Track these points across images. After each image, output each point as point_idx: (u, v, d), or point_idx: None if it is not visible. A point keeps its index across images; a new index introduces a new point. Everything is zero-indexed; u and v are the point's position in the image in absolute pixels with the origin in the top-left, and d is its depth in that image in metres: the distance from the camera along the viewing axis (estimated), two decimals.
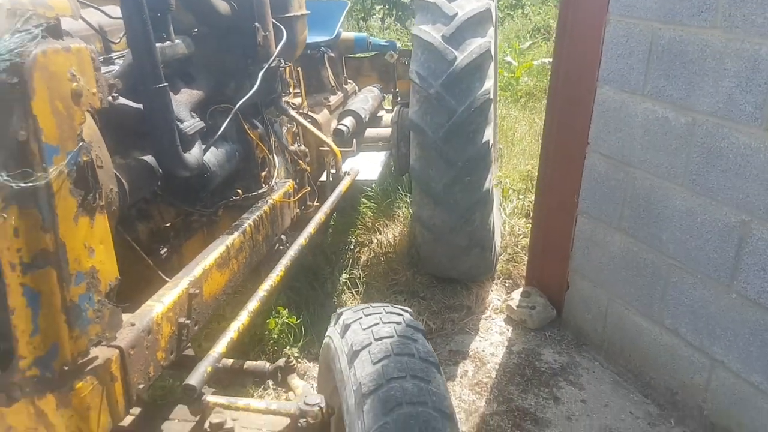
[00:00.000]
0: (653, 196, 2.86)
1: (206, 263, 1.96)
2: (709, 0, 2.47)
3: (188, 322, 1.80)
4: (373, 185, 4.44)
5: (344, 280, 4.01)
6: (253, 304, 1.98)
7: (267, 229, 2.45)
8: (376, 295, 3.87)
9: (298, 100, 3.42)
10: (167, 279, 1.86)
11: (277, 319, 3.33)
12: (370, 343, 1.62)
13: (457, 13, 3.34)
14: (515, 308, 3.62)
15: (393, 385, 1.48)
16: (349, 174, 3.22)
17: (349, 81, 4.54)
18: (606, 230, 3.14)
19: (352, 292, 3.95)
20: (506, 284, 4.02)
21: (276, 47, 2.52)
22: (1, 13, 1.20)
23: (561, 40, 3.36)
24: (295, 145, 3.15)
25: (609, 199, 3.10)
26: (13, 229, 1.21)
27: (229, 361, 1.98)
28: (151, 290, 1.81)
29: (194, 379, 1.61)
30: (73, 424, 1.36)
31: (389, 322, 1.71)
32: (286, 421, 1.70)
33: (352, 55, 4.86)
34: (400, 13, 13.11)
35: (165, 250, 2.10)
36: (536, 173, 4.97)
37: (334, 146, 3.06)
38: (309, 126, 3.01)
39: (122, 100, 1.81)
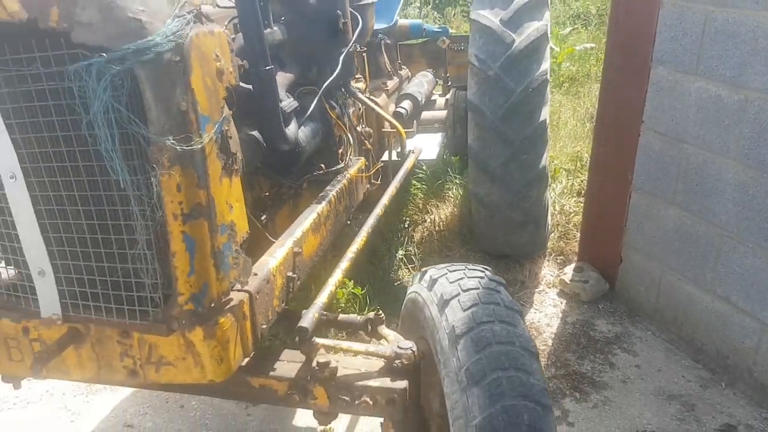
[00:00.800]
0: (706, 170, 3.00)
1: (304, 227, 2.19)
2: None
3: (294, 276, 2.02)
4: (423, 166, 4.63)
5: (400, 257, 4.23)
6: (344, 264, 2.20)
7: (346, 201, 2.67)
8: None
9: (361, 84, 3.62)
10: (273, 240, 2.09)
11: (343, 290, 3.56)
12: (459, 294, 1.82)
13: None
14: (568, 282, 3.79)
15: (483, 328, 1.68)
16: (413, 152, 3.42)
17: (403, 66, 4.73)
18: (660, 204, 3.29)
19: (408, 268, 4.16)
20: (558, 260, 4.19)
21: (353, 33, 2.73)
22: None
23: (615, 24, 3.51)
24: (360, 126, 3.36)
25: (663, 174, 3.25)
26: (176, 185, 1.44)
27: (325, 313, 2.20)
28: (257, 250, 2.04)
29: (305, 322, 1.83)
30: (216, 354, 1.59)
31: (473, 277, 1.91)
32: (381, 363, 1.91)
33: (403, 42, 5.04)
34: (437, 1, 13.25)
35: (264, 216, 2.34)
36: (584, 155, 5.13)
37: (399, 127, 3.26)
38: (377, 108, 3.21)
39: None
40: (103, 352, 1.62)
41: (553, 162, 5.03)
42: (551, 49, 9.05)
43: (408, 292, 2.11)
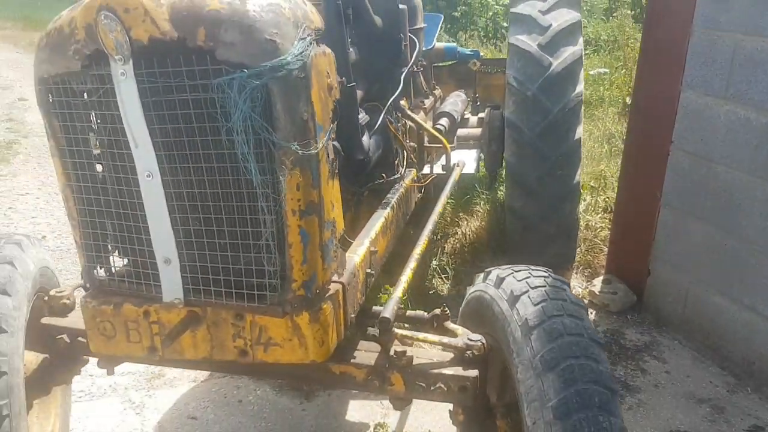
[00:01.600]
0: (734, 188, 3.21)
1: (376, 229, 2.39)
2: None
3: (372, 272, 2.22)
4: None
5: (434, 266, 4.43)
6: (412, 264, 2.40)
7: (404, 208, 2.87)
8: (465, 280, 4.27)
9: (404, 102, 3.85)
10: (351, 240, 2.29)
11: (386, 296, 3.75)
12: (528, 290, 2.00)
13: (551, 24, 3.74)
14: (597, 293, 3.98)
15: (554, 320, 1.86)
16: (458, 165, 3.64)
17: (436, 87, 4.97)
18: (688, 220, 3.50)
19: (441, 278, 4.36)
20: (585, 273, 4.39)
21: (411, 55, 2.96)
22: (287, 23, 1.64)
23: (645, 51, 3.74)
24: (407, 140, 3.58)
25: (692, 191, 3.45)
26: (296, 184, 1.64)
27: (402, 306, 2.37)
28: None
29: (387, 312, 2.02)
30: (319, 336, 1.78)
31: (538, 276, 2.09)
32: (451, 354, 2.10)
33: (436, 64, 5.29)
34: (448, 26, 13.59)
35: None
36: (607, 173, 5.35)
37: (446, 142, 3.48)
38: (423, 124, 3.43)
39: None
40: (218, 334, 1.82)
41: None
42: None
43: (470, 291, 2.28)
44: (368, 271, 2.22)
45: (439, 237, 4.80)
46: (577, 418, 1.65)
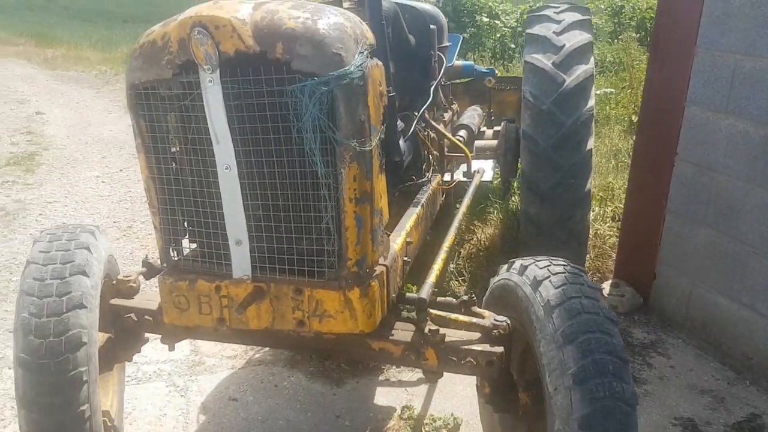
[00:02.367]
0: (734, 195, 3.48)
1: (410, 223, 2.68)
2: None
3: (408, 260, 2.50)
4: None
5: (451, 269, 4.69)
6: (441, 256, 2.68)
7: (431, 208, 3.16)
8: (480, 283, 4.53)
9: (426, 114, 4.15)
10: (388, 233, 2.57)
11: (411, 293, 4.01)
12: (549, 276, 2.26)
13: (564, 45, 4.04)
14: (606, 296, 4.24)
15: (573, 301, 2.12)
16: (478, 173, 3.92)
17: (453, 101, 5.27)
18: (692, 225, 3.77)
19: (458, 280, 4.62)
20: (594, 278, 4.64)
21: (438, 70, 3.26)
22: (350, 39, 1.92)
23: (653, 69, 4.03)
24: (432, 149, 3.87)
25: (695, 199, 3.73)
26: (353, 176, 1.92)
27: (436, 290, 2.63)
28: None
29: (423, 294, 2.29)
30: (367, 309, 2.05)
31: (558, 264, 2.35)
32: (479, 334, 2.36)
33: (453, 80, 5.60)
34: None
35: None
36: (614, 185, 5.62)
37: (467, 151, 3.77)
38: (448, 134, 3.72)
39: None
40: (279, 306, 2.09)
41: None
42: None
43: (494, 281, 2.55)
44: (405, 258, 2.49)
45: (456, 243, 5.07)
46: (594, 383, 1.91)
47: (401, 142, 2.79)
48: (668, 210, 3.94)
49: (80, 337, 2.19)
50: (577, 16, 4.28)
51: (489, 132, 5.24)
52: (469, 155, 3.78)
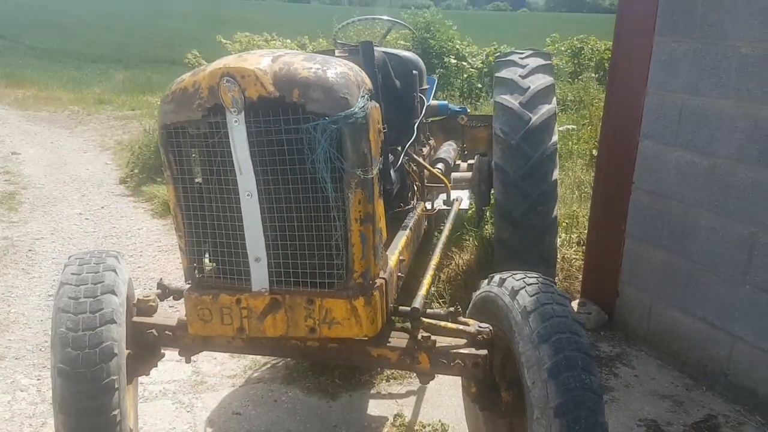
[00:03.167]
0: (685, 219, 3.90)
1: (402, 243, 3.02)
2: (724, 79, 3.58)
3: (402, 275, 2.83)
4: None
5: (432, 292, 5.02)
6: (429, 272, 3.02)
7: (417, 231, 3.51)
8: (460, 304, 4.85)
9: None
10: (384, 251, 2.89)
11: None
12: (525, 286, 2.60)
13: (530, 87, 4.47)
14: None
15: (546, 307, 2.46)
16: (456, 201, 4.29)
17: (430, 138, 5.68)
18: (649, 248, 4.17)
19: (439, 302, 4.94)
20: None
21: (420, 110, 3.65)
22: (353, 85, 2.28)
23: (609, 107, 4.48)
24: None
25: (650, 224, 4.14)
26: (358, 200, 2.25)
27: (427, 300, 2.95)
28: None
29: (417, 303, 2.62)
30: (371, 316, 2.36)
31: (532, 277, 2.71)
32: (465, 339, 2.68)
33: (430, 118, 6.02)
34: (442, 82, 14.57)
35: None
36: (579, 213, 6.05)
37: (446, 181, 4.14)
38: (428, 166, 4.11)
39: None
40: (293, 315, 2.39)
41: None
42: None
43: (476, 294, 2.88)
44: (399, 274, 2.82)
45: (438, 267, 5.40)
46: (566, 376, 2.23)
47: (391, 172, 3.15)
48: (627, 234, 4.34)
49: (112, 348, 2.45)
50: (540, 61, 4.75)
51: (464, 165, 5.65)
52: (449, 184, 4.15)
